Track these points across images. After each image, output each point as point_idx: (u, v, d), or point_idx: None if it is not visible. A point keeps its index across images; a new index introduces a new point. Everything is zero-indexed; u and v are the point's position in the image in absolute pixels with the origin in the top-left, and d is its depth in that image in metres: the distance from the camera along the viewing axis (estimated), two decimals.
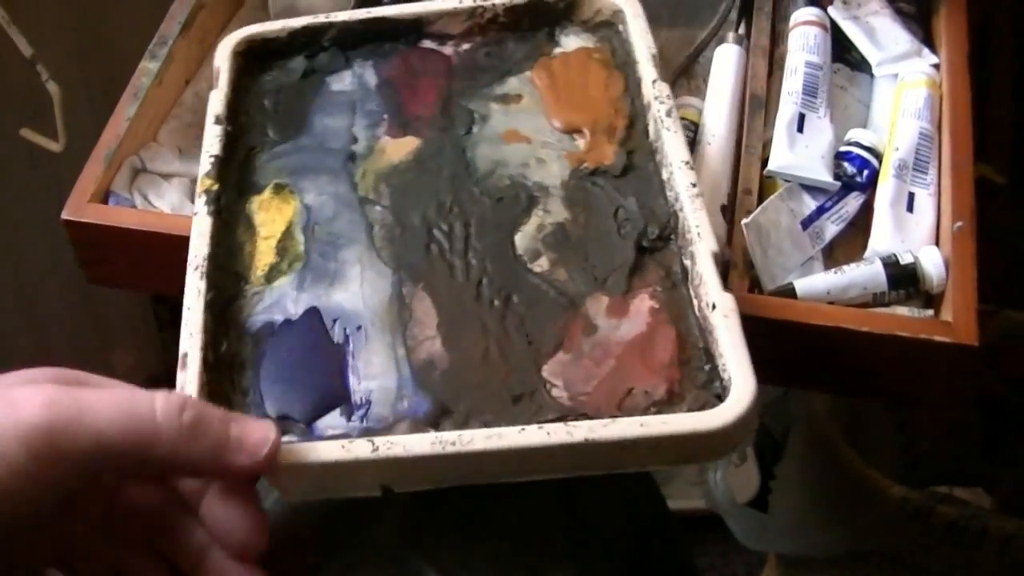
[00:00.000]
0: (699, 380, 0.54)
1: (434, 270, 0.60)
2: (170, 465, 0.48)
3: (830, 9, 0.80)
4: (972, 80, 0.75)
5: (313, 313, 0.58)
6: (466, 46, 0.72)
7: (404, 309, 0.58)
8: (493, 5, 0.71)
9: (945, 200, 0.70)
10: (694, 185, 0.59)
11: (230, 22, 0.86)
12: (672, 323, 0.57)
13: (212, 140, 0.65)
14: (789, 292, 0.65)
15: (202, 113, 0.77)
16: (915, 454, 1.15)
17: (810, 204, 0.70)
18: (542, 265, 0.60)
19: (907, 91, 0.75)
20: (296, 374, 0.56)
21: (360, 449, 0.50)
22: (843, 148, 0.73)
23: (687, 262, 0.58)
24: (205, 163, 0.64)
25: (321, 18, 0.71)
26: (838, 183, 0.71)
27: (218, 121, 0.66)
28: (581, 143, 0.65)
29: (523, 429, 0.50)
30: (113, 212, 0.72)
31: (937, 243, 0.68)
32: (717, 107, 0.75)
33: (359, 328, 0.58)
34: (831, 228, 0.70)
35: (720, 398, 0.52)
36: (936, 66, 0.77)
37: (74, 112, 0.97)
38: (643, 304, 0.58)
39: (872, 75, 0.79)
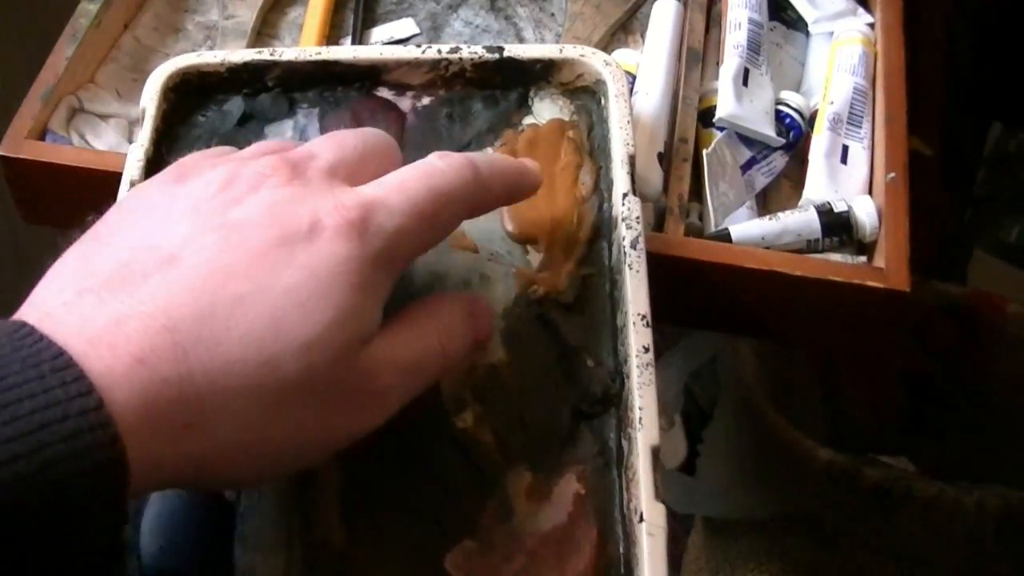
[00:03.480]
0: None
1: None
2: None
3: None
4: (906, 40, 0.76)
5: None
6: (427, 100, 0.63)
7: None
8: (460, 59, 0.63)
9: (879, 153, 0.70)
10: (647, 350, 0.52)
11: None
12: (595, 519, 0.50)
13: None
14: (724, 237, 0.66)
15: (140, 58, 0.76)
16: (841, 424, 1.16)
17: (746, 154, 0.71)
18: (466, 420, 0.53)
19: (842, 48, 0.75)
20: (178, 530, 0.50)
21: None
22: (775, 107, 0.74)
23: (624, 443, 0.52)
24: None
25: (266, 54, 0.64)
26: (782, 139, 0.71)
27: (132, 188, 0.58)
28: (534, 258, 0.58)
29: None
30: (50, 149, 0.71)
31: (871, 195, 0.69)
32: (655, 59, 0.75)
33: None
34: (761, 180, 0.71)
35: None
36: (871, 25, 0.77)
37: (7, 56, 0.95)
38: (568, 488, 0.51)
39: (807, 33, 0.80)
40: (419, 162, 0.49)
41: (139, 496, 0.43)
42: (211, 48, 0.81)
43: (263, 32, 0.83)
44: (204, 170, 0.46)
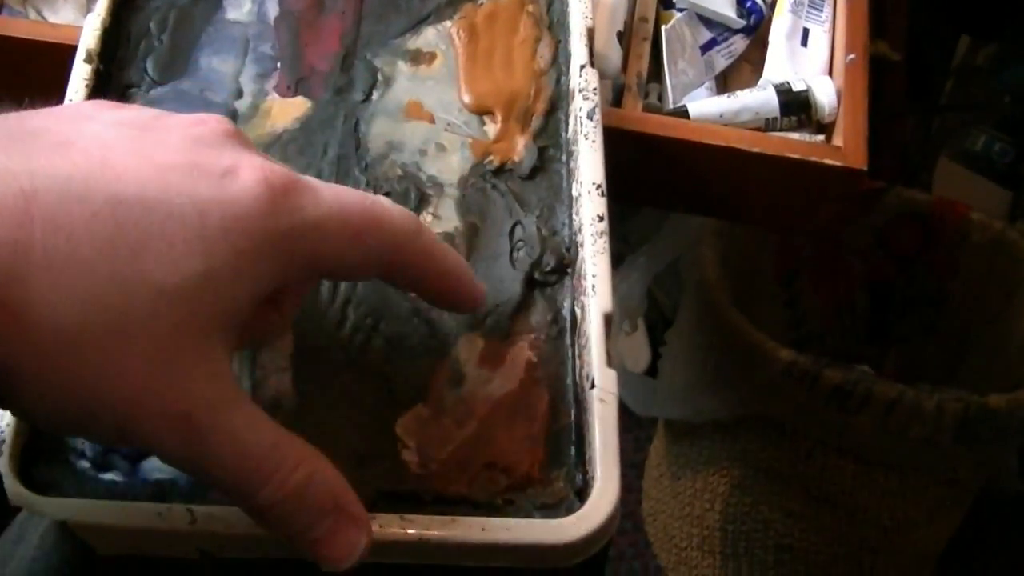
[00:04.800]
0: (563, 463, 0.48)
1: None
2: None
3: None
4: None
5: None
6: None
7: None
8: None
9: (839, 35, 0.70)
10: (601, 218, 0.51)
11: None
12: (548, 385, 0.50)
13: (77, 85, 0.56)
14: (682, 114, 0.65)
15: None
16: (803, 332, 1.16)
17: (705, 35, 0.70)
18: None
19: None
20: None
21: (178, 519, 0.44)
22: None
23: (578, 311, 0.51)
24: None
25: None
26: (743, 21, 0.71)
27: (88, 59, 0.57)
28: (490, 129, 0.57)
29: None
30: (5, 21, 0.70)
31: (831, 77, 0.68)
32: None
33: None
34: (721, 62, 0.70)
35: (580, 496, 0.47)
36: None
37: None
38: (521, 355, 0.51)
39: None
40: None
41: None
42: None
43: None
44: (144, 107, 0.43)
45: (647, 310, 1.11)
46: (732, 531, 1.07)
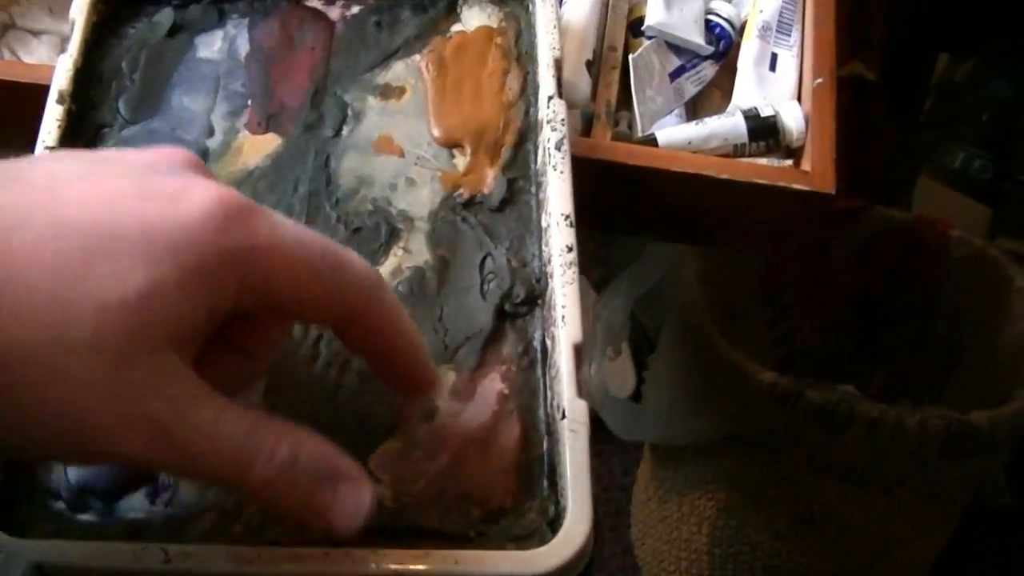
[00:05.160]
0: (535, 495, 0.49)
1: None
2: None
3: None
4: None
5: None
6: (356, 8, 0.63)
7: None
8: None
9: (807, 59, 0.70)
10: (570, 249, 0.52)
11: None
12: (519, 417, 0.50)
13: (50, 126, 0.56)
14: (651, 141, 0.65)
15: None
16: (789, 350, 1.16)
17: (675, 62, 0.70)
18: None
19: None
20: None
21: (152, 559, 0.44)
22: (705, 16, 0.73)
23: (548, 342, 0.52)
24: None
25: None
26: (711, 47, 0.71)
27: (61, 100, 0.57)
28: (460, 162, 0.58)
29: (328, 553, 0.44)
30: None
31: (799, 101, 0.69)
32: None
33: None
34: (690, 89, 0.71)
35: (553, 527, 0.47)
36: None
37: None
38: (492, 386, 0.51)
39: None
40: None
41: None
42: None
43: None
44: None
45: (632, 333, 1.11)
46: (719, 554, 1.07)
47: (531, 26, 0.61)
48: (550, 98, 0.57)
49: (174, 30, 0.62)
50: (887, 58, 1.14)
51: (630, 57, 0.67)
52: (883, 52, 1.13)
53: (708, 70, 0.71)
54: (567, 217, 0.53)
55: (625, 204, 0.61)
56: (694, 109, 0.71)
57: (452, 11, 0.63)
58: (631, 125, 0.68)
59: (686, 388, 1.00)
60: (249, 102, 0.60)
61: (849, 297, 1.14)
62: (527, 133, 0.58)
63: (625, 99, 0.69)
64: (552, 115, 0.57)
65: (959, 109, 1.26)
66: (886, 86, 1.11)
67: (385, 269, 0.55)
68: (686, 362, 1.00)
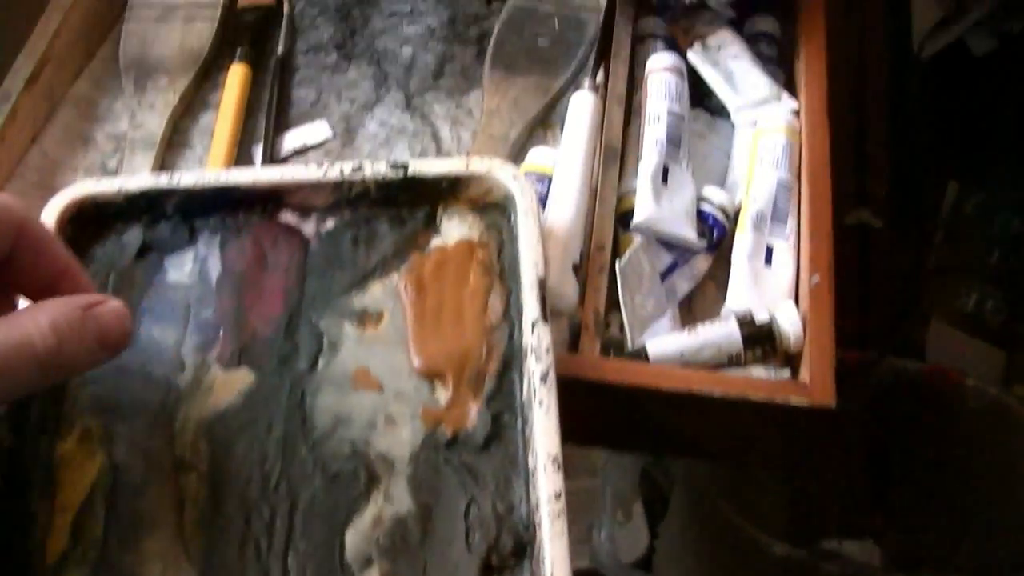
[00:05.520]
0: None
1: None
2: None
3: (689, 53, 0.77)
4: (831, 125, 0.73)
5: None
6: (331, 223, 0.61)
7: None
8: (363, 180, 0.61)
9: (804, 252, 0.67)
10: (559, 496, 0.50)
11: (79, 75, 0.83)
12: None
13: None
14: (641, 355, 0.62)
15: (47, 172, 0.73)
16: (801, 508, 1.12)
17: (666, 259, 0.67)
18: None
19: (764, 138, 0.72)
20: None
21: None
22: (697, 205, 0.70)
23: None
24: None
25: (164, 180, 0.61)
26: (704, 241, 0.68)
27: None
28: (442, 396, 0.56)
29: None
30: None
31: (797, 296, 0.65)
32: (571, 160, 0.71)
33: None
34: (683, 286, 0.67)
35: None
36: (797, 112, 0.74)
37: None
38: None
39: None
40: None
41: None
42: (120, 159, 0.78)
43: (174, 140, 0.80)
44: None
45: (646, 493, 1.08)
46: None
47: (514, 239, 0.59)
48: (534, 324, 0.55)
49: (144, 250, 0.61)
50: (894, 194, 1.11)
51: (617, 265, 0.64)
52: (888, 192, 1.10)
53: (702, 264, 0.68)
54: (555, 460, 0.51)
55: (616, 421, 0.58)
56: (688, 304, 0.68)
57: (431, 223, 0.61)
58: (623, 328, 0.65)
59: (697, 558, 0.97)
60: (221, 332, 0.58)
61: (861, 449, 1.10)
62: (511, 360, 0.56)
63: (616, 300, 0.66)
64: (537, 343, 0.54)
65: (970, 246, 1.23)
66: (894, 230, 1.08)
67: (365, 519, 0.52)
68: (696, 532, 0.97)
